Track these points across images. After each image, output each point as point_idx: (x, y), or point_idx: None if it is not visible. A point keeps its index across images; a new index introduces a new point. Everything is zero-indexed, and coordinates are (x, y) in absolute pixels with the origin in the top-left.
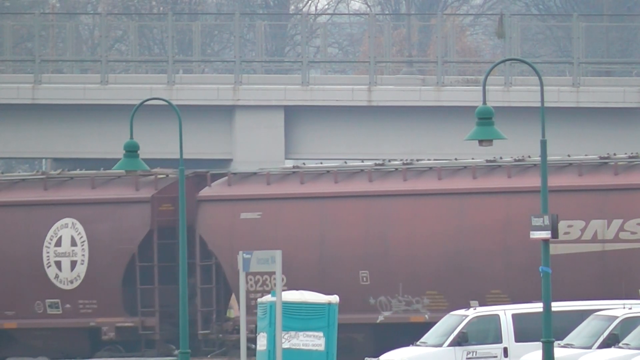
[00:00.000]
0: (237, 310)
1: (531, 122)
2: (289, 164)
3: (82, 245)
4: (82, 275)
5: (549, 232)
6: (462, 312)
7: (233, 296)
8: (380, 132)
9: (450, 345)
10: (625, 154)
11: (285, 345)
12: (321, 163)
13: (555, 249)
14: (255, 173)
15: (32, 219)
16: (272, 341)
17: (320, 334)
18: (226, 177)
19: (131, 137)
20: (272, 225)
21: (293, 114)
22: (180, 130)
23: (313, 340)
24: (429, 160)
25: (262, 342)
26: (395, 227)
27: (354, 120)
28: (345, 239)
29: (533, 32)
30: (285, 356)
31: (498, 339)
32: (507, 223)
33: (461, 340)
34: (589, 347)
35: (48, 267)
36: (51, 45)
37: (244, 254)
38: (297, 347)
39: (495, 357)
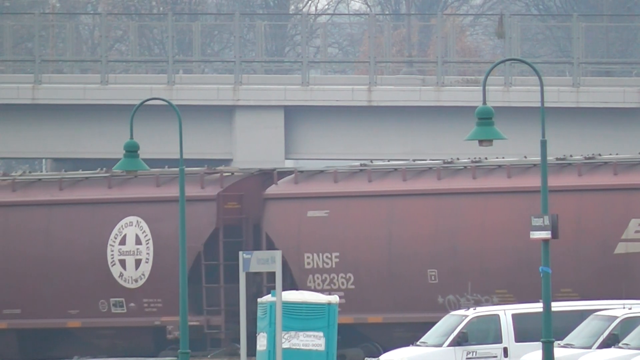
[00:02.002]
0: None
1: (531, 122)
2: (289, 164)
3: (147, 244)
4: (147, 274)
5: (549, 232)
6: (462, 312)
7: None
8: (380, 132)
9: (450, 345)
10: None
11: (285, 345)
12: (388, 161)
13: (626, 247)
14: (322, 171)
15: (96, 218)
16: (272, 341)
17: (320, 334)
18: (293, 175)
19: (131, 137)
20: (339, 224)
21: (293, 114)
22: (180, 130)
23: (313, 340)
24: (497, 158)
25: (262, 342)
26: (464, 225)
27: (354, 120)
28: (414, 237)
29: (533, 32)
30: (285, 356)
31: (498, 339)
32: (578, 221)
33: (461, 340)
34: (589, 347)
35: (112, 265)
36: (51, 45)
37: (244, 254)
38: (297, 347)
39: (495, 357)
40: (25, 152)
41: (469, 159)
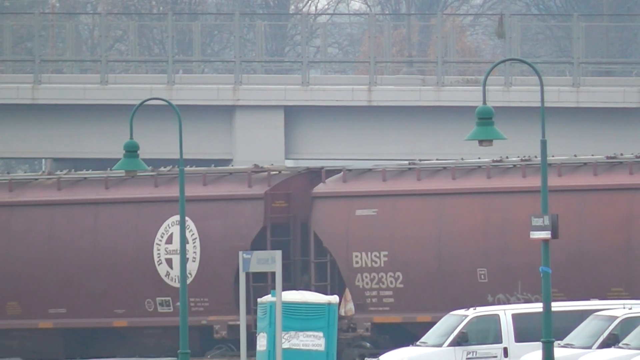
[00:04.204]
0: (351, 307)
1: (531, 122)
2: (289, 164)
3: (194, 243)
4: (194, 273)
5: (549, 232)
6: (462, 312)
7: (346, 293)
8: (380, 132)
9: (450, 345)
10: None
11: (285, 345)
12: (436, 159)
13: None
14: (370, 169)
15: (142, 216)
16: (272, 341)
17: (320, 334)
18: (341, 174)
19: (131, 137)
20: (388, 222)
21: (293, 114)
22: (180, 130)
23: (313, 340)
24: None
25: (262, 342)
26: (514, 224)
27: (354, 120)
28: (463, 236)
29: (533, 32)
30: (285, 356)
31: (498, 339)
32: (629, 220)
33: (461, 340)
34: (589, 347)
35: (159, 264)
36: (51, 45)
37: (244, 254)
38: (297, 347)
39: (495, 357)
40: (25, 152)
41: (518, 157)
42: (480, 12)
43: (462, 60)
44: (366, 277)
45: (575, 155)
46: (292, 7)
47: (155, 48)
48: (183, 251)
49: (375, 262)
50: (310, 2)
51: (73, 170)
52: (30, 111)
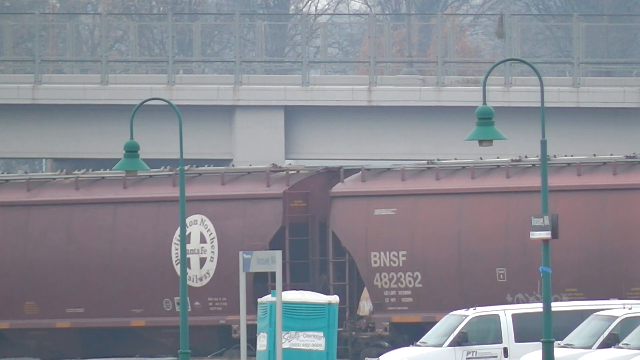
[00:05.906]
0: (365, 307)
1: (531, 122)
2: (289, 163)
3: (212, 242)
4: (212, 273)
5: (549, 232)
6: (462, 312)
7: (364, 293)
8: (380, 132)
9: (450, 345)
10: None
11: (285, 345)
12: (454, 159)
13: None
14: (389, 169)
15: (160, 216)
16: (272, 341)
17: (320, 334)
18: (360, 173)
19: (131, 137)
20: (407, 222)
21: (293, 114)
22: (180, 130)
23: (313, 340)
24: (565, 156)
25: (262, 342)
26: None
27: (354, 120)
28: (482, 235)
29: (533, 32)
30: (285, 356)
31: (498, 339)
32: None
33: (461, 340)
34: (589, 347)
35: (177, 264)
36: (51, 45)
37: (244, 254)
38: (297, 347)
39: (495, 357)
40: (25, 152)
41: (537, 156)
42: (480, 12)
43: (462, 60)
44: (385, 276)
45: (594, 155)
46: (292, 7)
47: (155, 48)
48: (183, 251)
49: (394, 262)
50: (310, 2)
51: (91, 169)
52: (30, 111)
